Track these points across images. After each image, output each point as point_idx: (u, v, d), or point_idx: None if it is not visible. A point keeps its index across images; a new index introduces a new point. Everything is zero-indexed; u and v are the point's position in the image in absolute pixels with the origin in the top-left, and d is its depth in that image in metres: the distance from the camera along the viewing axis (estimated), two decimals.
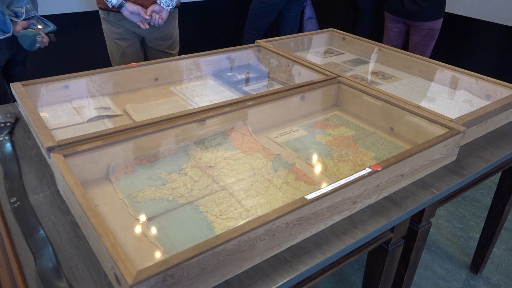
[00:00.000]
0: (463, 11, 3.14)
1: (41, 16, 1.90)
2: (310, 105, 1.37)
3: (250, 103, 1.21)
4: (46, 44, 1.74)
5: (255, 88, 1.54)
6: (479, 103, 1.44)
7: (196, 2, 3.34)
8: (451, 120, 1.15)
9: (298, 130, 1.27)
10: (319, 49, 1.99)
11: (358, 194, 0.91)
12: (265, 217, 0.76)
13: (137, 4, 1.89)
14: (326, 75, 1.44)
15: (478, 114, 1.20)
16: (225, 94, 1.48)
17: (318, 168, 1.09)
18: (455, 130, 1.10)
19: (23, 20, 1.68)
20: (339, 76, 1.42)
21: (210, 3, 3.36)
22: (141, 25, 1.92)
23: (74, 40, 2.75)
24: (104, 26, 2.00)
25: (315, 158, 1.13)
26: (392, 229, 1.03)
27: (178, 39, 2.18)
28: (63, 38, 2.65)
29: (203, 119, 1.13)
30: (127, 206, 0.91)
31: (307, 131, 1.27)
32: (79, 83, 1.36)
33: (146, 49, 2.14)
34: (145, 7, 1.91)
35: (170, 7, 1.95)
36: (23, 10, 1.66)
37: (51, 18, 2.44)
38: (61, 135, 1.14)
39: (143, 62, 1.48)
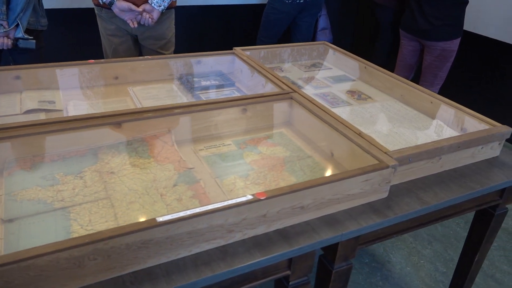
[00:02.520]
0: (495, 34, 2.87)
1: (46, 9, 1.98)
2: (257, 120, 1.29)
3: (177, 111, 1.16)
4: (9, 47, 1.78)
5: (213, 96, 1.47)
6: (450, 135, 1.28)
7: (218, 6, 3.33)
8: (385, 152, 1.02)
9: (229, 144, 1.19)
10: (307, 62, 1.88)
11: (235, 223, 0.82)
12: (96, 235, 0.70)
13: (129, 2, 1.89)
14: (282, 89, 1.35)
15: (425, 148, 1.06)
16: (179, 100, 1.43)
17: (223, 188, 1.00)
18: (383, 164, 0.97)
19: None
20: (294, 92, 1.33)
21: (232, 7, 3.33)
22: (130, 24, 1.92)
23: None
24: (98, 22, 2.03)
25: (227, 176, 1.05)
26: (289, 266, 0.92)
27: (173, 40, 2.16)
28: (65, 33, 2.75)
29: (119, 123, 1.09)
30: (0, 203, 0.89)
31: (238, 146, 1.18)
32: (32, 75, 1.37)
33: (141, 47, 2.15)
34: (137, 6, 1.91)
35: (162, 7, 1.94)
36: None
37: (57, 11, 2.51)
38: None
39: (102, 60, 1.47)
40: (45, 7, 2.02)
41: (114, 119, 1.09)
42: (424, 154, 1.06)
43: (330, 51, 1.88)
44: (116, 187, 0.97)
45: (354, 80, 1.70)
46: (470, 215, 1.33)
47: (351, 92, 1.58)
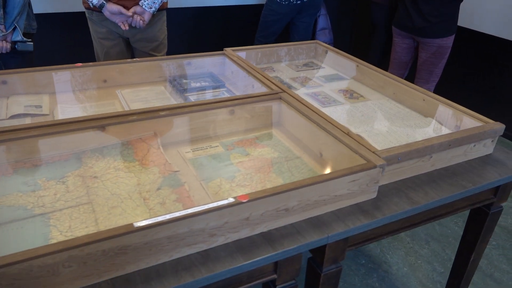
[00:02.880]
0: (492, 30, 2.84)
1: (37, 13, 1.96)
2: (245, 121, 1.27)
3: (163, 113, 1.14)
4: (8, 50, 1.78)
5: (203, 97, 1.46)
6: (442, 133, 1.26)
7: (216, 7, 3.32)
8: (374, 152, 1.00)
9: (217, 146, 1.17)
10: (300, 61, 1.86)
11: (217, 226, 0.80)
12: (70, 242, 0.68)
13: (119, 5, 1.88)
14: (271, 89, 1.33)
15: (414, 147, 1.04)
16: (168, 102, 1.41)
17: (209, 191, 0.99)
18: (371, 164, 0.95)
19: None
20: (283, 92, 1.31)
21: (230, 8, 3.32)
22: (122, 26, 1.90)
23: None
24: (90, 25, 2.02)
25: (213, 179, 1.03)
26: (275, 269, 0.90)
27: (165, 41, 2.15)
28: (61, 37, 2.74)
29: (103, 126, 1.07)
30: None
31: (226, 148, 1.17)
32: (19, 79, 1.36)
33: (134, 50, 2.13)
34: (127, 8, 1.90)
35: (153, 9, 1.92)
36: None
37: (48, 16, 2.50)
38: None
39: (91, 63, 1.45)
40: (37, 11, 2.01)
41: (98, 123, 1.07)
42: (414, 153, 1.04)
43: (323, 50, 1.86)
44: (99, 191, 0.95)
45: (346, 79, 1.68)
46: (468, 213, 1.31)
47: (343, 91, 1.56)
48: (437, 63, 2.35)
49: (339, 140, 1.06)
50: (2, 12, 1.73)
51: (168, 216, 0.75)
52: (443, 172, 1.12)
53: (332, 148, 1.09)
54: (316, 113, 1.18)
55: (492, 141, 1.20)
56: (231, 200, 0.81)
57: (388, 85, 1.52)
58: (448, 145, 1.09)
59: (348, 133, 1.08)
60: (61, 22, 2.75)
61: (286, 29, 2.94)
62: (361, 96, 1.52)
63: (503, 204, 1.26)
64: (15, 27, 1.78)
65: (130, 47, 2.12)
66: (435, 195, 1.02)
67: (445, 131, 1.28)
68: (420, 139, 1.22)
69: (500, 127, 1.17)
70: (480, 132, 1.13)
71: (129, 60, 1.52)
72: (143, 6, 1.90)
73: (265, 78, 1.40)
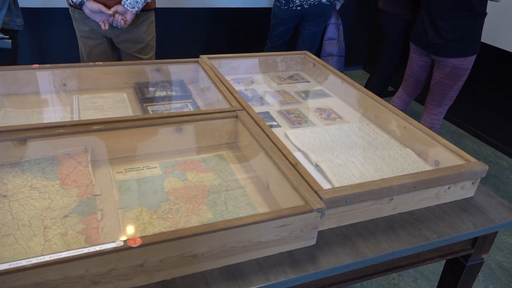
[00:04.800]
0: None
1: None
2: (195, 140, 1.14)
3: (96, 127, 1.03)
4: None
5: (163, 109, 1.34)
6: (417, 169, 1.10)
7: (228, 9, 3.22)
8: (316, 191, 0.85)
9: (155, 168, 1.05)
10: (286, 73, 1.72)
11: (100, 274, 0.68)
12: None
13: (100, 3, 1.79)
14: (232, 105, 1.20)
15: (368, 187, 0.88)
16: (125, 111, 1.31)
17: (123, 222, 0.87)
18: (307, 207, 0.81)
19: None
20: (242, 110, 1.17)
21: (246, 10, 3.22)
22: (102, 25, 1.82)
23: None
24: (73, 23, 1.94)
25: (134, 208, 0.91)
26: None
27: (153, 44, 2.05)
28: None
29: (23, 139, 0.97)
30: None
31: (164, 170, 1.04)
32: None
33: (120, 51, 2.05)
34: (108, 7, 1.81)
35: (136, 9, 1.82)
36: None
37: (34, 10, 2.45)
38: None
39: (47, 65, 1.37)
40: (21, 5, 1.95)
41: (19, 135, 0.97)
42: (367, 195, 0.88)
43: (310, 63, 1.71)
44: (0, 214, 0.85)
45: (329, 96, 1.53)
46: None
47: (320, 110, 1.41)
48: (452, 85, 2.13)
49: (282, 172, 0.92)
50: None
51: (34, 260, 0.64)
52: (406, 218, 0.96)
53: (276, 181, 0.95)
54: (269, 137, 1.04)
55: (472, 183, 1.03)
56: (119, 243, 0.68)
57: (372, 107, 1.36)
58: (412, 187, 0.93)
59: (296, 165, 0.94)
60: (44, 18, 2.71)
61: (292, 37, 2.81)
62: (339, 117, 1.37)
63: (484, 255, 1.09)
64: None
65: (115, 48, 2.03)
66: (387, 246, 0.87)
67: (420, 166, 1.11)
68: (390, 174, 1.08)
69: (481, 168, 1.00)
70: (455, 174, 0.97)
71: (91, 63, 1.42)
72: (125, 5, 1.80)
73: (229, 92, 1.27)
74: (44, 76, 1.36)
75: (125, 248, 0.68)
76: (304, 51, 1.75)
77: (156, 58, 2.20)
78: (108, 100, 1.37)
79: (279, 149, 0.99)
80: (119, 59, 2.09)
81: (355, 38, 3.92)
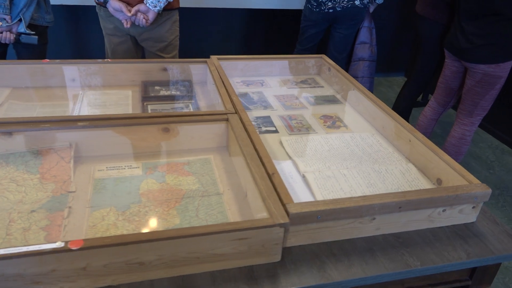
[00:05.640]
0: None
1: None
2: (183, 142, 1.12)
3: (82, 124, 1.03)
4: (11, 41, 1.79)
5: (163, 108, 1.33)
6: (414, 187, 1.00)
7: (265, 10, 3.20)
8: (285, 204, 0.80)
9: (137, 168, 1.04)
10: (300, 77, 1.66)
11: (40, 273, 0.67)
12: None
13: (124, 2, 1.82)
14: (226, 108, 1.16)
15: (343, 205, 0.81)
16: (126, 108, 1.31)
17: (87, 221, 0.86)
18: (268, 221, 0.76)
19: None
20: (234, 113, 1.13)
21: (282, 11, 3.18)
22: (124, 23, 1.85)
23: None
24: (100, 20, 1.99)
25: (104, 207, 0.90)
26: None
27: (176, 43, 2.06)
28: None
29: (9, 132, 0.99)
30: None
31: (145, 171, 1.03)
32: None
33: (144, 49, 2.07)
34: (131, 5, 1.83)
35: (158, 8, 1.83)
36: None
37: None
38: None
39: (57, 60, 1.40)
40: (53, 3, 2.03)
41: (5, 127, 0.99)
42: (341, 212, 0.81)
43: (326, 67, 1.63)
44: None
45: (340, 104, 1.45)
46: None
47: (325, 117, 1.34)
48: (483, 93, 1.97)
49: (256, 182, 0.87)
50: (8, 2, 1.75)
51: None
52: (390, 240, 0.87)
53: (251, 190, 0.91)
54: (253, 143, 0.99)
55: (473, 207, 0.92)
56: (60, 244, 0.67)
57: (379, 117, 1.27)
58: (397, 207, 0.85)
59: (272, 175, 0.88)
60: (73, 15, 2.80)
61: (327, 39, 2.73)
62: (344, 126, 1.29)
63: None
64: (21, 18, 1.80)
65: (139, 46, 2.06)
66: (359, 270, 0.79)
67: (420, 185, 1.02)
68: (383, 191, 0.99)
69: (483, 191, 0.89)
70: (450, 196, 0.87)
71: (99, 60, 1.44)
72: (147, 4, 1.82)
73: (227, 94, 1.24)
74: (55, 71, 1.39)
75: (65, 250, 0.66)
76: (321, 55, 1.68)
77: (180, 57, 2.21)
78: (111, 97, 1.38)
79: (260, 157, 0.94)
80: (143, 57, 2.12)
81: (397, 44, 3.75)
